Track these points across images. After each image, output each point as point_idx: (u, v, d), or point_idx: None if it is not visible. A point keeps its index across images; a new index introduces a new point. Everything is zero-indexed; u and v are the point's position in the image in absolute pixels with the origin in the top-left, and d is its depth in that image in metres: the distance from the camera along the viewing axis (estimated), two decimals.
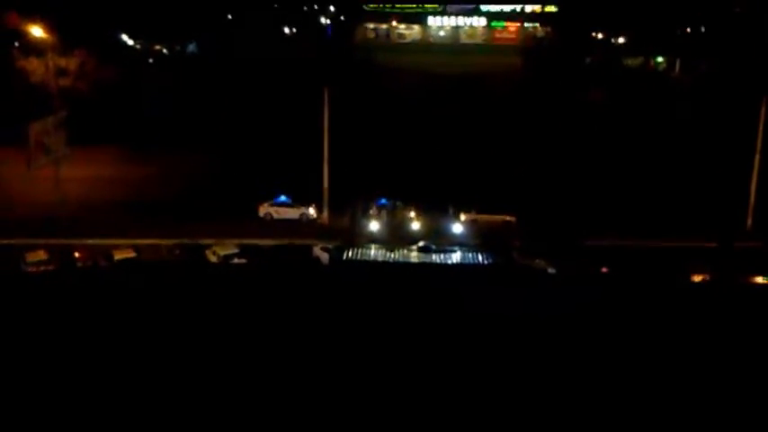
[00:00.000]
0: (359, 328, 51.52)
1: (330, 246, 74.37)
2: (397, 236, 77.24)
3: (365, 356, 47.86)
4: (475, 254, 73.59)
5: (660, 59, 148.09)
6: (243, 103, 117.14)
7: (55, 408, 42.39)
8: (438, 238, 76.94)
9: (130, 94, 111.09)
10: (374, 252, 73.87)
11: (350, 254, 73.19)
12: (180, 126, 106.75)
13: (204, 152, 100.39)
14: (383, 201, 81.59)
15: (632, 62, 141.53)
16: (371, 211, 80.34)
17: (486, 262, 72.08)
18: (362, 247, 74.63)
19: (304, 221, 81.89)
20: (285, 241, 74.92)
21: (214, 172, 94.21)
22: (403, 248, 74.46)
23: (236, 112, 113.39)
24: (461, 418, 42.92)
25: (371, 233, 77.66)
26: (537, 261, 70.92)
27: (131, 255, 69.93)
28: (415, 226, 78.92)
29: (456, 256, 73.31)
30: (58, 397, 43.24)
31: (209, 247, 71.84)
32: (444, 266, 71.60)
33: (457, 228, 79.03)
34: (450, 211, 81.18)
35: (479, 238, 76.93)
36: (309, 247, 73.97)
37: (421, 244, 75.06)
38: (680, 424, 43.17)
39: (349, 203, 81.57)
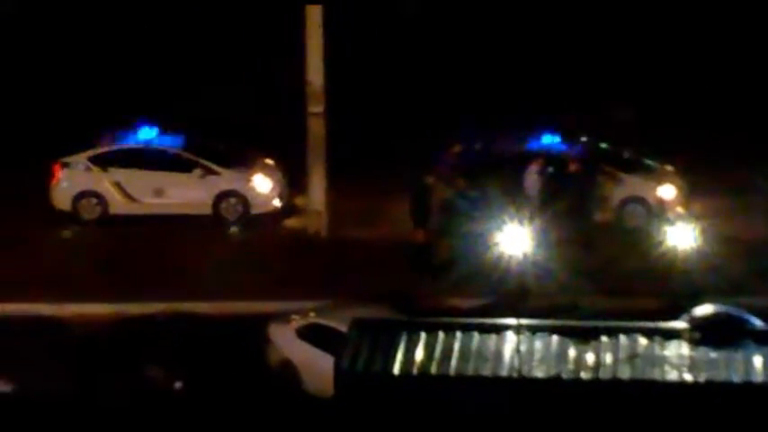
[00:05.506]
0: None
1: (335, 323, 20.41)
2: (610, 273, 23.56)
3: None
4: None
5: None
6: None
7: None
8: None
9: None
10: (514, 341, 17.48)
11: (417, 355, 17.64)
12: None
13: None
14: (554, 141, 27.27)
15: None
16: (531, 177, 26.14)
17: None
18: (470, 325, 18.71)
19: (234, 222, 27.50)
20: (161, 306, 23.08)
21: None
22: (633, 325, 18.45)
23: None
24: None
25: (521, 265, 20.31)
26: None
27: None
28: (687, 237, 21.89)
29: None
30: None
31: None
32: None
33: None
34: None
35: None
36: (257, 329, 22.01)
37: (710, 310, 19.00)
38: None
39: (415, 156, 27.81)
